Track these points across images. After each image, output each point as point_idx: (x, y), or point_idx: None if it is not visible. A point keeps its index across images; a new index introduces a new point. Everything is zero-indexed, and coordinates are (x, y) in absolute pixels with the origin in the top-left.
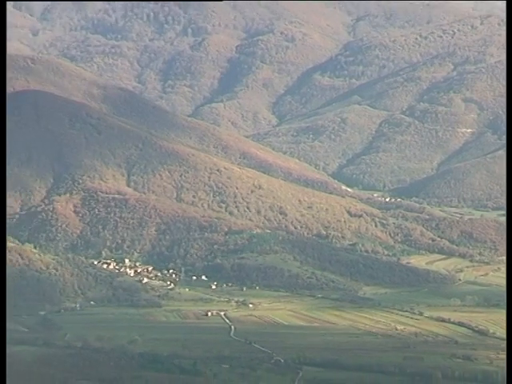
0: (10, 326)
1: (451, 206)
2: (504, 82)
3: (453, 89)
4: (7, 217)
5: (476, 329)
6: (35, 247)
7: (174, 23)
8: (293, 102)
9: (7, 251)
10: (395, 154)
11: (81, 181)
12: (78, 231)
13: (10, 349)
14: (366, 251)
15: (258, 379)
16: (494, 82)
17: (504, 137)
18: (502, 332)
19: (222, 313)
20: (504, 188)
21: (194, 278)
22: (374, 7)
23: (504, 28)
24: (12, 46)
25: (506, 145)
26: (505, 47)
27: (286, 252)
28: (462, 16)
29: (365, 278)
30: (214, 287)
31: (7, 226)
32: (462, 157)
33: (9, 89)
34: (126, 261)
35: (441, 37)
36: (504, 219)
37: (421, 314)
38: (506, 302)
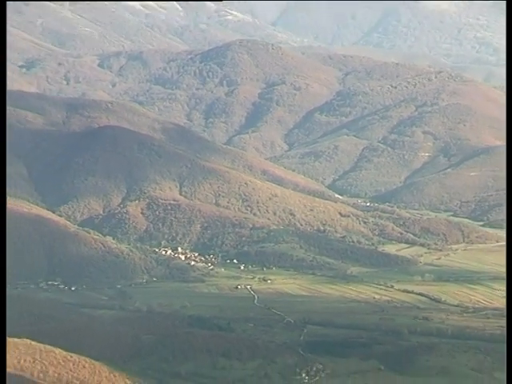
0: (95, 295)
1: (414, 209)
2: (452, 120)
3: (415, 124)
4: (93, 217)
5: (432, 298)
6: (113, 239)
7: (213, 77)
8: (299, 133)
9: (94, 242)
10: (373, 171)
11: (146, 191)
12: (144, 227)
13: (96, 312)
14: (353, 242)
15: (274, 334)
16: (444, 119)
17: (452, 159)
18: (451, 300)
19: (248, 286)
20: (453, 196)
21: (228, 261)
22: (358, 65)
23: (452, 80)
24: (97, 94)
25: (506, 145)
26: (454, 93)
27: (294, 242)
28: (421, 72)
29: (351, 261)
30: (242, 268)
31: (93, 224)
32: (421, 173)
33: (94, 125)
34: (179, 249)
35: (406, 87)
36: (452, 218)
37: (392, 286)
38: (506, 303)
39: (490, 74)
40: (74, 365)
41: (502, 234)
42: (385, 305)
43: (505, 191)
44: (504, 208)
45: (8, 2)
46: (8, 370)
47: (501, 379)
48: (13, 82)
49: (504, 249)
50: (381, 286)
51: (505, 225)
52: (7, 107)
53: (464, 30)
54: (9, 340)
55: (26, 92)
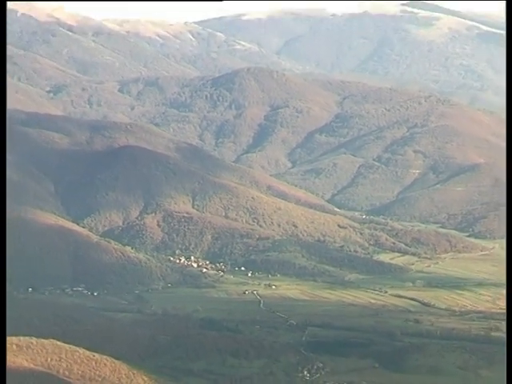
0: (115, 300)
1: (405, 221)
2: (440, 140)
3: (406, 144)
4: (114, 229)
5: (422, 302)
6: (132, 248)
7: (223, 101)
8: (301, 152)
9: (114, 251)
10: (369, 187)
11: (162, 205)
12: (160, 238)
13: (116, 315)
14: (350, 251)
15: (279, 335)
16: (433, 139)
17: (440, 175)
18: (440, 304)
19: (255, 291)
20: (441, 209)
21: (236, 268)
22: (354, 90)
23: (440, 104)
24: (117, 116)
25: (506, 146)
26: (442, 115)
27: (296, 252)
28: (412, 96)
29: (349, 269)
30: (249, 275)
31: (114, 234)
32: (412, 189)
33: (114, 145)
34: (192, 257)
35: (399, 110)
36: (440, 230)
37: (386, 292)
38: (506, 304)
39: (475, 98)
40: (96, 363)
41: (486, 243)
42: (379, 308)
43: (488, 205)
44: (487, 220)
45: (34, 34)
46: (36, 367)
47: (485, 377)
48: (41, 106)
49: (488, 257)
50: (376, 292)
51: (488, 236)
52: (36, 129)
53: (451, 58)
54: (37, 341)
55: (52, 115)
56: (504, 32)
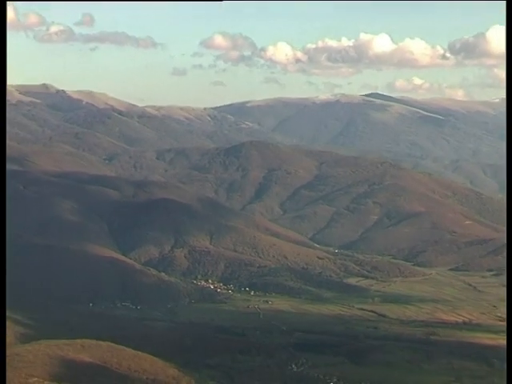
0: (153, 312)
1: (367, 254)
2: (392, 194)
3: (367, 197)
4: (152, 259)
5: (379, 313)
6: (165, 274)
7: (232, 166)
8: (290, 203)
9: (152, 276)
10: (340, 229)
11: (187, 241)
12: (186, 266)
13: (154, 323)
14: (326, 276)
15: (273, 338)
16: (387, 194)
17: (392, 220)
18: (392, 315)
19: (256, 306)
20: (393, 245)
21: (242, 289)
22: (329, 158)
23: (392, 168)
24: (154, 177)
25: (506, 146)
26: (393, 176)
27: (287, 276)
28: (371, 162)
29: (326, 289)
30: (252, 293)
31: (152, 263)
32: (372, 230)
33: (152, 198)
34: (209, 280)
35: (362, 172)
36: (392, 260)
37: (353, 306)
38: (506, 305)
39: (417, 164)
40: (139, 359)
41: (426, 270)
42: (348, 318)
43: (427, 242)
44: (427, 253)
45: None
46: (94, 362)
47: (426, 369)
48: (99, 170)
49: (427, 281)
50: (345, 306)
51: (428, 265)
52: (95, 186)
53: (399, 135)
54: (94, 342)
55: (107, 176)
56: (438, 116)
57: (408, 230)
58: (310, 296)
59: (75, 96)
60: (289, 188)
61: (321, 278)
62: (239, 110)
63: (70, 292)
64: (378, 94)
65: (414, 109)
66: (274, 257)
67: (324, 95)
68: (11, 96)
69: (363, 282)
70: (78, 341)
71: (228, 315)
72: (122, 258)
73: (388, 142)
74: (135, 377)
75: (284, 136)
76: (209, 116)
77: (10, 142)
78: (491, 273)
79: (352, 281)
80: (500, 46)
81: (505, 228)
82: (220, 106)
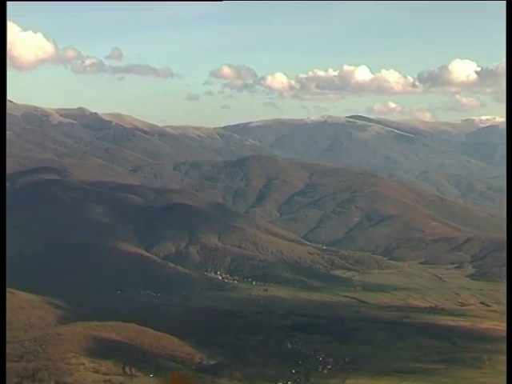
0: (171, 298)
1: (350, 250)
2: (372, 200)
3: (351, 202)
4: (170, 254)
5: (360, 300)
6: (181, 266)
7: (237, 176)
8: (286, 208)
9: (170, 268)
10: (328, 229)
11: (200, 239)
12: (198, 260)
13: (171, 308)
14: (316, 268)
15: (271, 320)
16: (367, 200)
17: (372, 221)
18: (371, 301)
19: (257, 293)
20: (371, 242)
21: (245, 279)
22: (319, 169)
23: (371, 177)
24: (172, 185)
25: (506, 147)
26: (372, 184)
27: (283, 269)
28: (354, 173)
29: (315, 279)
30: (253, 283)
31: (170, 258)
32: (354, 230)
33: (170, 202)
34: (218, 272)
35: (346, 181)
36: (371, 255)
37: (338, 294)
38: (505, 306)
39: (392, 175)
40: (159, 338)
41: (400, 264)
42: (334, 304)
43: (400, 240)
44: (400, 249)
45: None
46: (122, 340)
47: (399, 346)
48: (125, 179)
49: (401, 272)
50: (332, 294)
51: (401, 259)
52: (122, 193)
53: (377, 150)
54: (121, 324)
55: (132, 184)
56: (410, 134)
57: (384, 229)
58: (303, 285)
59: (106, 117)
60: (285, 195)
61: (311, 270)
62: (243, 129)
63: (101, 281)
64: (359, 116)
65: (389, 128)
66: (272, 252)
67: (314, 117)
68: (53, 118)
69: (347, 274)
70: (108, 322)
71: (233, 301)
72: (145, 253)
73: (367, 157)
74: (156, 353)
75: (281, 151)
76: (218, 134)
77: (51, 156)
78: (454, 265)
79: (338, 272)
80: (460, 76)
81: (465, 228)
82: (227, 126)
